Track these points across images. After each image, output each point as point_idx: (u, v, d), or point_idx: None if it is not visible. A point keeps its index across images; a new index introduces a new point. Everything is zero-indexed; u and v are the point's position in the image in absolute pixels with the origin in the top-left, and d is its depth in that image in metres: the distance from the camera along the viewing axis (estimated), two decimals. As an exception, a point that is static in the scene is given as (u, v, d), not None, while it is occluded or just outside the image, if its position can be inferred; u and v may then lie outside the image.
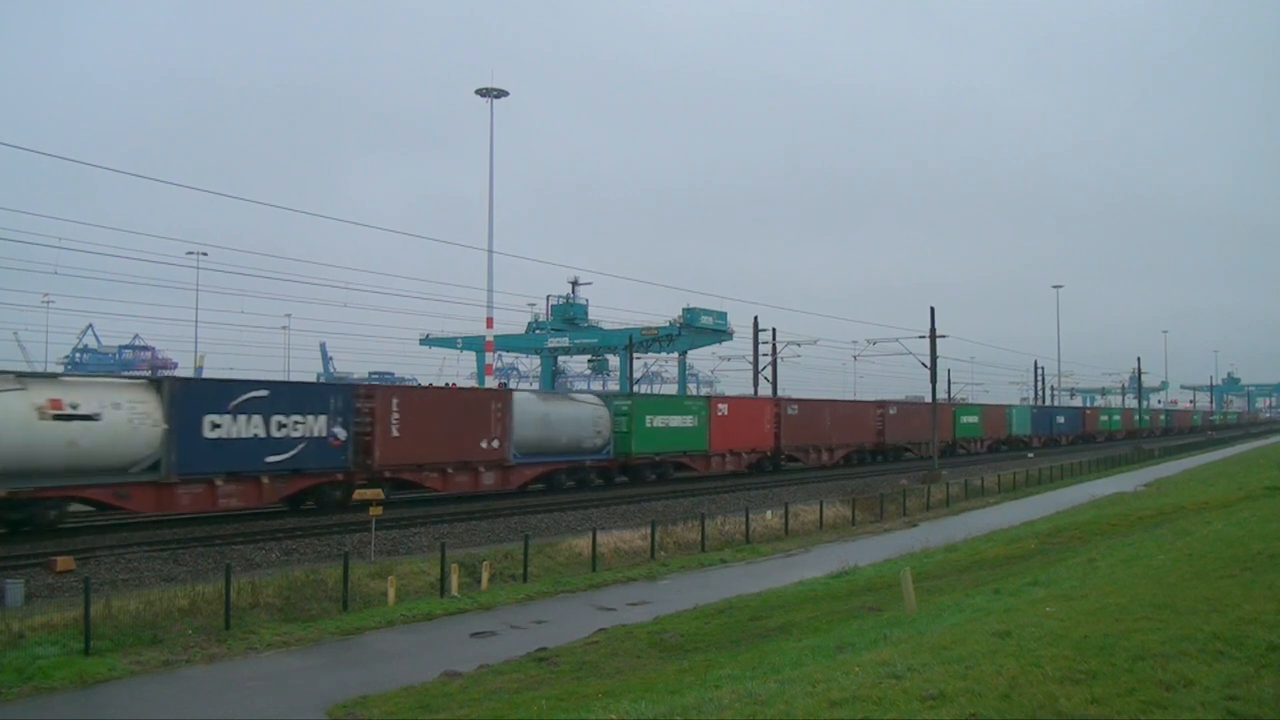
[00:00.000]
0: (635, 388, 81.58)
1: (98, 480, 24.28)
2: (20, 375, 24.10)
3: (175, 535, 25.16)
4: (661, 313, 74.95)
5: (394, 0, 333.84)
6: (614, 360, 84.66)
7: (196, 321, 79.99)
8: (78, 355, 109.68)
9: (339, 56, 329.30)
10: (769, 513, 32.82)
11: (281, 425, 27.73)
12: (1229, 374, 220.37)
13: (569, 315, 77.86)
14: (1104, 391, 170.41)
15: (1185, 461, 70.60)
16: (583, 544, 24.55)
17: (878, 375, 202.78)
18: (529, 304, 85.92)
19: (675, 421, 43.84)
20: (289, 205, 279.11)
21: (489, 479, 34.80)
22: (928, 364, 53.86)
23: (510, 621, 18.17)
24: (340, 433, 29.31)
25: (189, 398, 26.06)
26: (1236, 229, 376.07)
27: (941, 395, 64.06)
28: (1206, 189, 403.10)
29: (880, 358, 75.29)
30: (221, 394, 27.03)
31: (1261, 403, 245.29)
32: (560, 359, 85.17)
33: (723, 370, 79.92)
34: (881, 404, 64.66)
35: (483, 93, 54.97)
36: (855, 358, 70.42)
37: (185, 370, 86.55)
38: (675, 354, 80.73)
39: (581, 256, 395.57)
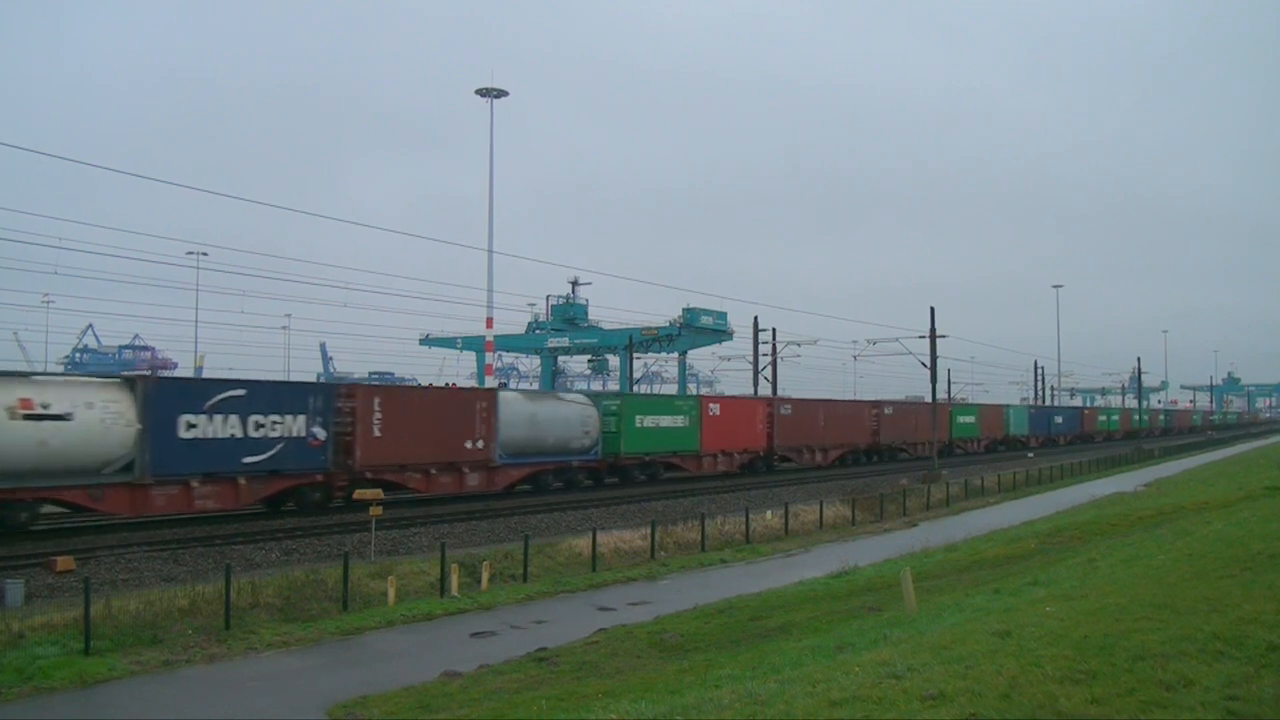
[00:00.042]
0: (635, 388, 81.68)
1: (70, 481, 23.79)
2: None
3: (175, 535, 25.14)
4: (661, 313, 75.08)
5: (394, 0, 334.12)
6: (614, 360, 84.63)
7: (196, 321, 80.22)
8: (78, 355, 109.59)
9: (339, 56, 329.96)
10: (769, 513, 32.82)
11: (259, 425, 27.34)
12: (1229, 374, 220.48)
13: (569, 315, 77.85)
14: (1104, 391, 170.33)
15: (1185, 461, 70.59)
16: (583, 544, 24.54)
17: (878, 375, 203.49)
18: (529, 304, 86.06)
19: (665, 421, 43.61)
20: (289, 205, 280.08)
21: (474, 480, 34.28)
22: (928, 364, 53.88)
23: (510, 621, 18.17)
24: (320, 433, 28.93)
25: (163, 397, 25.58)
26: (1236, 229, 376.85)
27: (941, 395, 64.03)
28: (1206, 189, 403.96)
29: (880, 358, 75.55)
30: (197, 393, 26.65)
31: (1261, 403, 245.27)
32: (560, 359, 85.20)
33: (723, 370, 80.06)
34: (877, 404, 64.58)
35: (483, 93, 54.96)
36: (855, 358, 70.60)
37: (186, 370, 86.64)
38: (675, 354, 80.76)
39: (581, 256, 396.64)
